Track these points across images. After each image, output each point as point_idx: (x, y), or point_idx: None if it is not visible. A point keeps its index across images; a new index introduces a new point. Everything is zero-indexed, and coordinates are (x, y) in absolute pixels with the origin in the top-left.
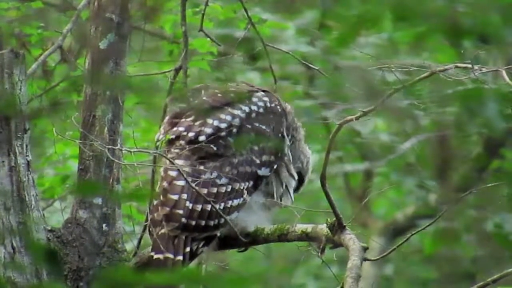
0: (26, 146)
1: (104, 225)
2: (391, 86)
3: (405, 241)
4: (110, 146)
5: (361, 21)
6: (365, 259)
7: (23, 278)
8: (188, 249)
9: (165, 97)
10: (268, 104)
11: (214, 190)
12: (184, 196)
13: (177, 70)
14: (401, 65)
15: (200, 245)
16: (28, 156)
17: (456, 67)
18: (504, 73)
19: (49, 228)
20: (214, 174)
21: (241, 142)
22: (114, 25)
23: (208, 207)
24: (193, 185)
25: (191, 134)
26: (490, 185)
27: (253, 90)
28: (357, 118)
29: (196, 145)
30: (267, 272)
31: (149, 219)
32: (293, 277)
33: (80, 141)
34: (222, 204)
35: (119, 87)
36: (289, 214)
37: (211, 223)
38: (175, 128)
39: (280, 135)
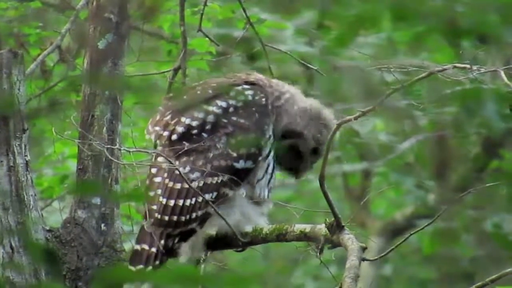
0: (25, 146)
1: (102, 225)
2: (390, 86)
3: (404, 241)
4: (108, 146)
5: (359, 21)
6: (364, 259)
7: (22, 278)
8: (162, 242)
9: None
10: (250, 98)
11: (186, 185)
12: (159, 191)
13: (175, 70)
14: (399, 65)
15: (176, 241)
16: (26, 156)
17: (455, 67)
18: (502, 73)
19: (47, 228)
20: (187, 169)
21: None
22: (112, 25)
23: (181, 202)
24: (191, 184)
25: (165, 133)
26: (488, 185)
27: (235, 83)
28: (355, 118)
29: (183, 146)
30: (266, 272)
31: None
32: (292, 277)
33: (79, 140)
34: (194, 199)
35: (118, 87)
36: (287, 214)
37: (182, 218)
38: (155, 127)
39: (263, 130)
